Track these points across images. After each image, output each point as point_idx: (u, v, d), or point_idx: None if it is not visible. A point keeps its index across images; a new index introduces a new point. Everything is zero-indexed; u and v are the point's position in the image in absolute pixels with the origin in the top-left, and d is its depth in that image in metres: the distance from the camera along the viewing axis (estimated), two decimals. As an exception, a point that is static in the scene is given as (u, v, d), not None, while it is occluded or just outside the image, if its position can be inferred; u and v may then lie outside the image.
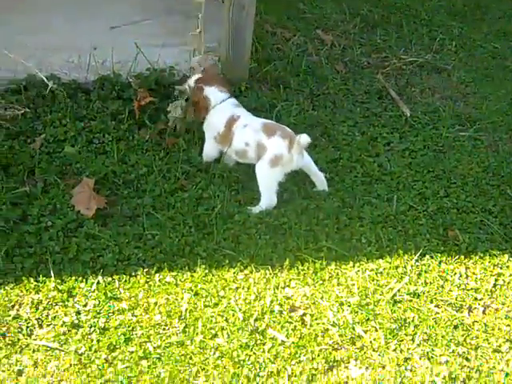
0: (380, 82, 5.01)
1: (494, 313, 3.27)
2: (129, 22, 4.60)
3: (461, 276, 3.44)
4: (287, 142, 3.58)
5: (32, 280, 3.14)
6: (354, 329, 3.09)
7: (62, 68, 4.37)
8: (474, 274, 3.46)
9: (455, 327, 3.16)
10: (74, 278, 3.18)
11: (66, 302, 3.07)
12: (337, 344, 3.03)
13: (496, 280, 3.45)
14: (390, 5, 6.24)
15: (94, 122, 4.10)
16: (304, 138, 3.52)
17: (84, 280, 3.18)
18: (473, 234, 3.69)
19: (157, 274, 3.26)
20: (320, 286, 3.30)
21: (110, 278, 3.21)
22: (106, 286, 3.17)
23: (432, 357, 3.01)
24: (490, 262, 3.54)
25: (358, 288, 3.29)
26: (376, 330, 3.10)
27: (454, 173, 4.13)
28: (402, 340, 3.07)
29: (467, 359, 3.02)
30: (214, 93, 3.88)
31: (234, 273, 3.31)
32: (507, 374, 2.97)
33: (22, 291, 3.10)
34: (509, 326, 3.20)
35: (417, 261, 3.47)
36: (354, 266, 3.42)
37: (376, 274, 3.39)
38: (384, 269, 3.41)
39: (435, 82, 5.15)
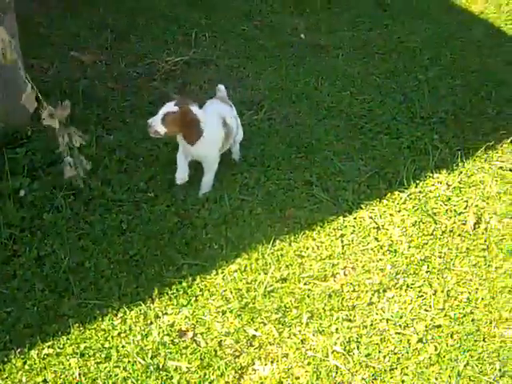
0: (159, 90, 5.03)
1: (353, 271, 3.56)
2: None
3: (313, 249, 3.67)
4: None
5: None
6: (245, 331, 3.18)
7: None
8: (322, 243, 3.71)
9: (329, 296, 3.39)
10: None
11: None
12: (237, 351, 3.09)
13: (342, 242, 3.73)
14: (132, 9, 6.19)
15: None
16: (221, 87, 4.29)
17: (-46, 387, 2.87)
18: (305, 208, 3.93)
19: (31, 351, 3.03)
20: (195, 302, 3.32)
21: (-19, 374, 2.92)
22: (-18, 385, 2.89)
23: (323, 330, 3.21)
24: (329, 227, 3.81)
25: (232, 292, 3.37)
26: (265, 325, 3.22)
27: (265, 157, 4.31)
28: (291, 325, 3.23)
29: (350, 320, 3.27)
30: (198, 111, 3.78)
31: (109, 319, 3.20)
32: (388, 320, 3.28)
33: None
34: (369, 278, 3.51)
35: (271, 249, 3.63)
36: (217, 273, 3.48)
37: (241, 273, 3.48)
38: (246, 266, 3.52)
39: (208, 75, 5.29)
